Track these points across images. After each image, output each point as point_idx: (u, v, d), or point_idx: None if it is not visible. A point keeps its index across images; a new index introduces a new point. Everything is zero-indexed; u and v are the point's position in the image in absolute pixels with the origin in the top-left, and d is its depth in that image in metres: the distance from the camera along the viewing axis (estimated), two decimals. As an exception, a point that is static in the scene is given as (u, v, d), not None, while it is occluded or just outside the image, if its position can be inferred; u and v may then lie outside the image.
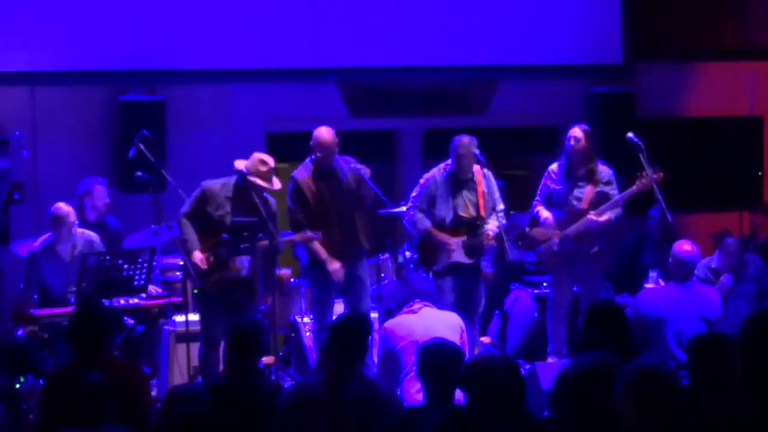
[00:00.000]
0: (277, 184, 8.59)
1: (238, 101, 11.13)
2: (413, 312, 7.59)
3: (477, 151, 9.08)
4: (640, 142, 9.25)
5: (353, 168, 8.97)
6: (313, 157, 8.93)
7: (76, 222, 9.04)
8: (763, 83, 12.37)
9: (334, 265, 8.83)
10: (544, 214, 9.29)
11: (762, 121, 12.29)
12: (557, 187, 9.33)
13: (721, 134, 11.99)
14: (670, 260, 8.19)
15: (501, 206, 9.21)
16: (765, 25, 12.16)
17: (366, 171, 8.93)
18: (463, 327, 7.66)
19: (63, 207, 8.97)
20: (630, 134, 9.33)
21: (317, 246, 8.85)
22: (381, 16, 11.08)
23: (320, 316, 8.98)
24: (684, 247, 8.14)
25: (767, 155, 12.29)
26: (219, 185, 8.59)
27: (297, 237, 8.81)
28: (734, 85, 12.28)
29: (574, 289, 9.37)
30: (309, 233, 8.74)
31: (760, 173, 12.18)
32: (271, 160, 8.57)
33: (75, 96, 10.72)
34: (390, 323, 7.60)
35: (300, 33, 10.86)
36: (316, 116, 10.33)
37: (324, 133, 8.87)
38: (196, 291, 8.61)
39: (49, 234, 9.00)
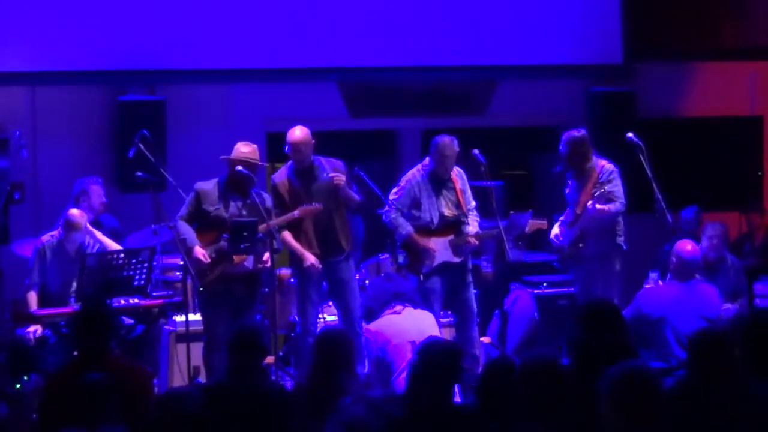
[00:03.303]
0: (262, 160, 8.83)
1: (238, 101, 11.13)
2: (397, 313, 7.71)
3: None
4: (640, 142, 9.25)
5: (337, 169, 8.97)
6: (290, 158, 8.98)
7: (89, 236, 9.07)
8: (763, 83, 12.37)
9: (309, 260, 8.84)
10: (554, 230, 9.36)
11: (762, 121, 12.29)
12: (567, 190, 9.39)
13: (721, 134, 11.99)
14: (674, 260, 8.20)
15: (473, 203, 9.24)
16: (765, 25, 12.15)
17: (339, 165, 8.95)
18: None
19: (77, 215, 8.99)
20: (630, 134, 9.33)
21: (293, 242, 8.87)
22: (381, 16, 11.08)
23: (304, 319, 9.01)
24: (687, 247, 8.18)
25: (767, 155, 12.29)
26: (211, 184, 8.69)
27: (296, 213, 8.78)
28: (734, 85, 12.28)
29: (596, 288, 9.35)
30: (304, 207, 8.74)
31: (760, 173, 12.19)
32: (252, 144, 8.74)
33: (75, 96, 10.72)
34: (375, 325, 7.65)
35: (300, 33, 10.86)
36: (316, 116, 10.35)
37: (293, 132, 8.91)
38: (201, 289, 8.61)
39: (58, 231, 9.03)
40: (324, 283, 9.14)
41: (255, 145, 8.80)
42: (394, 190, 9.23)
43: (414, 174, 9.20)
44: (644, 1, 11.78)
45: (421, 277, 9.09)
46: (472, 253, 9.37)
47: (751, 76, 12.34)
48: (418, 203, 9.12)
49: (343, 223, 9.03)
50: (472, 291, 9.22)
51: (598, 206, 9.00)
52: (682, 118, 12.14)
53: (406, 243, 9.16)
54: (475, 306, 9.22)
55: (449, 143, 9.07)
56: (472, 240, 9.05)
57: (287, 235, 8.90)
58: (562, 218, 9.43)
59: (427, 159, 9.17)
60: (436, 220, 9.12)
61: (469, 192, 9.22)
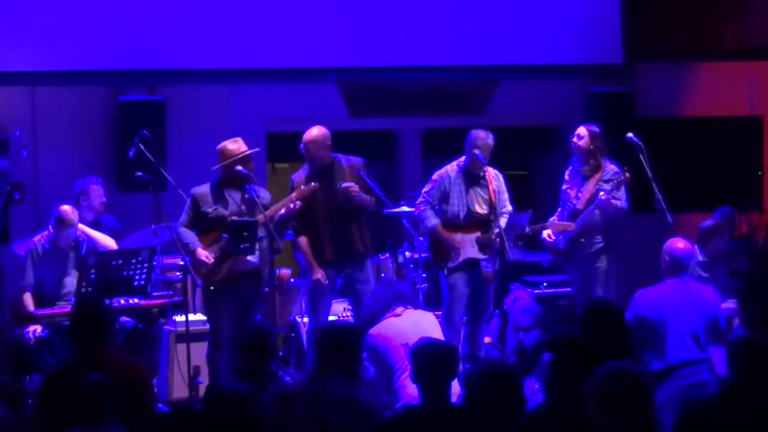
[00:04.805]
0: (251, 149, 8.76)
1: (238, 101, 11.13)
2: (397, 316, 7.80)
3: (477, 152, 9.09)
4: (639, 142, 9.28)
5: (355, 169, 8.97)
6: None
7: (80, 234, 9.06)
8: (763, 83, 12.37)
9: (316, 274, 8.86)
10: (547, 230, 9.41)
11: (762, 121, 12.29)
12: (565, 187, 9.43)
13: (721, 134, 11.99)
14: (667, 259, 8.19)
15: (509, 208, 9.26)
16: (765, 25, 12.15)
17: (357, 161, 8.95)
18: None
19: (69, 211, 8.97)
20: (630, 134, 9.36)
21: (307, 250, 8.87)
22: (381, 16, 11.08)
23: (315, 316, 9.00)
24: (678, 245, 8.17)
25: (767, 155, 12.30)
26: (206, 187, 8.70)
27: (293, 195, 8.72)
28: (734, 85, 12.28)
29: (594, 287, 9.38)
30: (301, 190, 8.70)
31: (760, 173, 12.19)
32: (236, 138, 8.72)
33: (75, 96, 10.72)
34: (376, 329, 7.70)
35: (300, 33, 10.86)
36: (316, 116, 10.33)
37: (309, 131, 8.90)
38: (212, 288, 8.59)
39: (48, 231, 9.02)
40: (338, 280, 9.14)
41: (238, 138, 8.78)
42: (429, 184, 9.25)
43: (447, 169, 9.24)
44: (644, 1, 11.78)
45: (446, 271, 9.13)
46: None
47: (751, 76, 12.34)
48: (447, 197, 9.15)
49: (361, 228, 8.99)
50: (493, 292, 9.26)
51: (614, 201, 9.09)
52: (682, 118, 12.14)
53: (432, 236, 9.19)
54: (491, 308, 9.28)
55: (482, 136, 9.13)
56: (496, 239, 9.06)
57: (303, 241, 8.90)
58: (554, 218, 9.48)
59: (464, 156, 9.20)
60: (462, 214, 9.15)
61: (505, 196, 9.24)
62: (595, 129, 9.39)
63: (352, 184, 8.83)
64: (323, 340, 5.90)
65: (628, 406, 4.48)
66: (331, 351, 5.83)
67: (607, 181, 9.29)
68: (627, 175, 9.17)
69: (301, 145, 8.93)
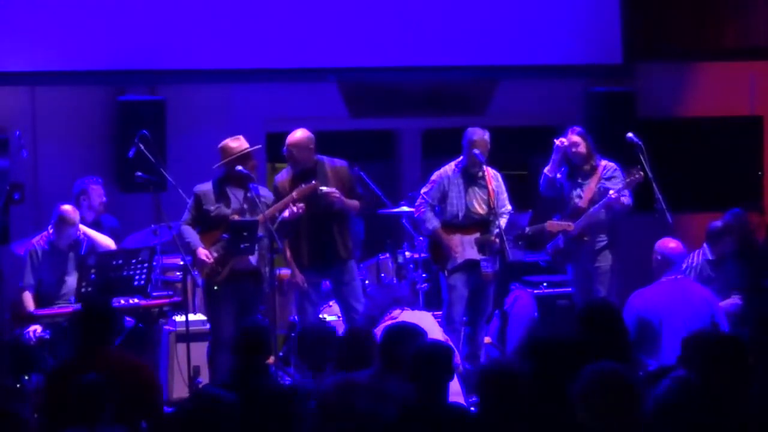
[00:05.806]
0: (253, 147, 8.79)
1: (238, 101, 11.13)
2: (394, 318, 7.80)
3: (477, 152, 9.09)
4: (639, 142, 9.30)
5: (351, 171, 8.96)
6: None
7: (81, 234, 9.06)
8: (763, 83, 12.36)
9: (295, 278, 8.90)
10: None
11: (762, 121, 12.29)
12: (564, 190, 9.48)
13: (721, 134, 12.00)
14: (659, 258, 8.20)
15: (508, 208, 9.27)
16: (765, 25, 12.15)
17: (341, 164, 8.93)
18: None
19: (70, 210, 8.97)
20: (630, 134, 9.38)
21: (287, 253, 8.90)
22: (381, 16, 11.08)
23: (303, 317, 9.02)
24: (670, 244, 8.20)
25: (767, 155, 12.30)
26: (209, 185, 8.73)
27: (294, 194, 8.70)
28: (734, 85, 12.27)
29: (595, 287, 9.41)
30: (301, 188, 8.70)
31: (760, 173, 12.19)
32: (238, 136, 8.77)
33: (75, 96, 10.72)
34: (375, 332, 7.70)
35: (300, 33, 10.86)
36: (316, 116, 10.36)
37: (293, 133, 8.91)
38: (216, 288, 8.60)
39: (48, 232, 9.02)
40: (328, 282, 9.14)
41: (239, 135, 8.80)
42: (428, 185, 9.25)
43: (446, 169, 9.26)
44: (644, 1, 11.78)
45: (446, 272, 9.14)
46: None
47: (751, 76, 12.34)
48: (446, 197, 9.16)
49: (342, 231, 8.96)
50: (492, 292, 9.27)
51: (622, 198, 9.14)
52: (682, 118, 12.14)
53: (432, 238, 9.20)
54: (490, 307, 9.29)
55: (479, 133, 9.14)
56: (496, 240, 9.07)
57: (287, 251, 8.92)
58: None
59: (462, 156, 9.21)
60: (461, 214, 9.16)
61: (504, 195, 9.25)
62: (582, 130, 9.48)
63: (333, 189, 8.79)
64: (388, 339, 5.92)
65: (613, 405, 4.50)
66: (395, 350, 5.84)
67: (608, 179, 9.33)
68: (641, 173, 9.19)
69: (284, 148, 8.93)
